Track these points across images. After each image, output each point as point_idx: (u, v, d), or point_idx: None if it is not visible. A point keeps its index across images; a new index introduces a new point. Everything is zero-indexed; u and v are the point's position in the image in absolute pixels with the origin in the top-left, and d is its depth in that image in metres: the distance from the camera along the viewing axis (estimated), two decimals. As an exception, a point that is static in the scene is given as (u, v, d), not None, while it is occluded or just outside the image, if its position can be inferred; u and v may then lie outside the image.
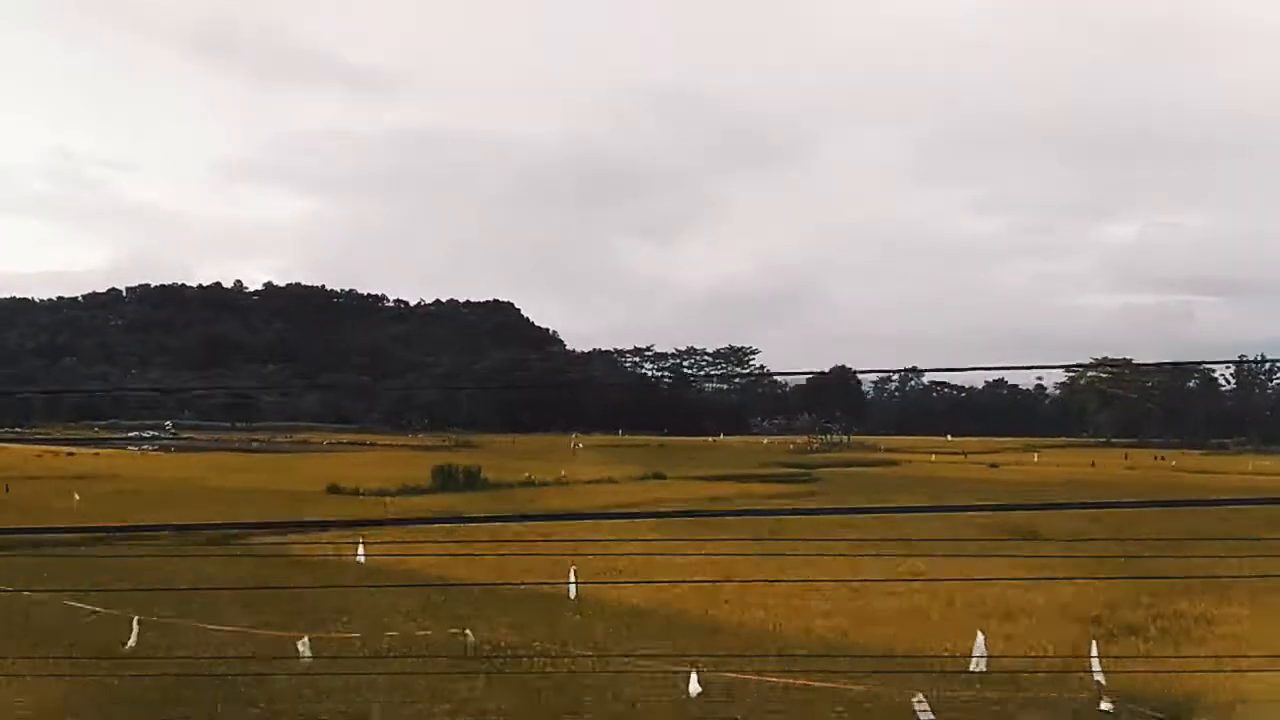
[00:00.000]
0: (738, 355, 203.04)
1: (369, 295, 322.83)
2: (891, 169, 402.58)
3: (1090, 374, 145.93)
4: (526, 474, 64.69)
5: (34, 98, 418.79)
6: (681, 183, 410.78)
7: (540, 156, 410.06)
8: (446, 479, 56.67)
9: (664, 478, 69.62)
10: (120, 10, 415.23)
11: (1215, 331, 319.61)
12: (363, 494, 53.30)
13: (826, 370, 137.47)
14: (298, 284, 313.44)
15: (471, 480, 57.98)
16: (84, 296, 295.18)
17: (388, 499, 50.48)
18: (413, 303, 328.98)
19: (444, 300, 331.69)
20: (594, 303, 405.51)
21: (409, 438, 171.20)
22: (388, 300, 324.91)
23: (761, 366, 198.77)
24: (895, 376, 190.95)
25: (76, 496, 48.62)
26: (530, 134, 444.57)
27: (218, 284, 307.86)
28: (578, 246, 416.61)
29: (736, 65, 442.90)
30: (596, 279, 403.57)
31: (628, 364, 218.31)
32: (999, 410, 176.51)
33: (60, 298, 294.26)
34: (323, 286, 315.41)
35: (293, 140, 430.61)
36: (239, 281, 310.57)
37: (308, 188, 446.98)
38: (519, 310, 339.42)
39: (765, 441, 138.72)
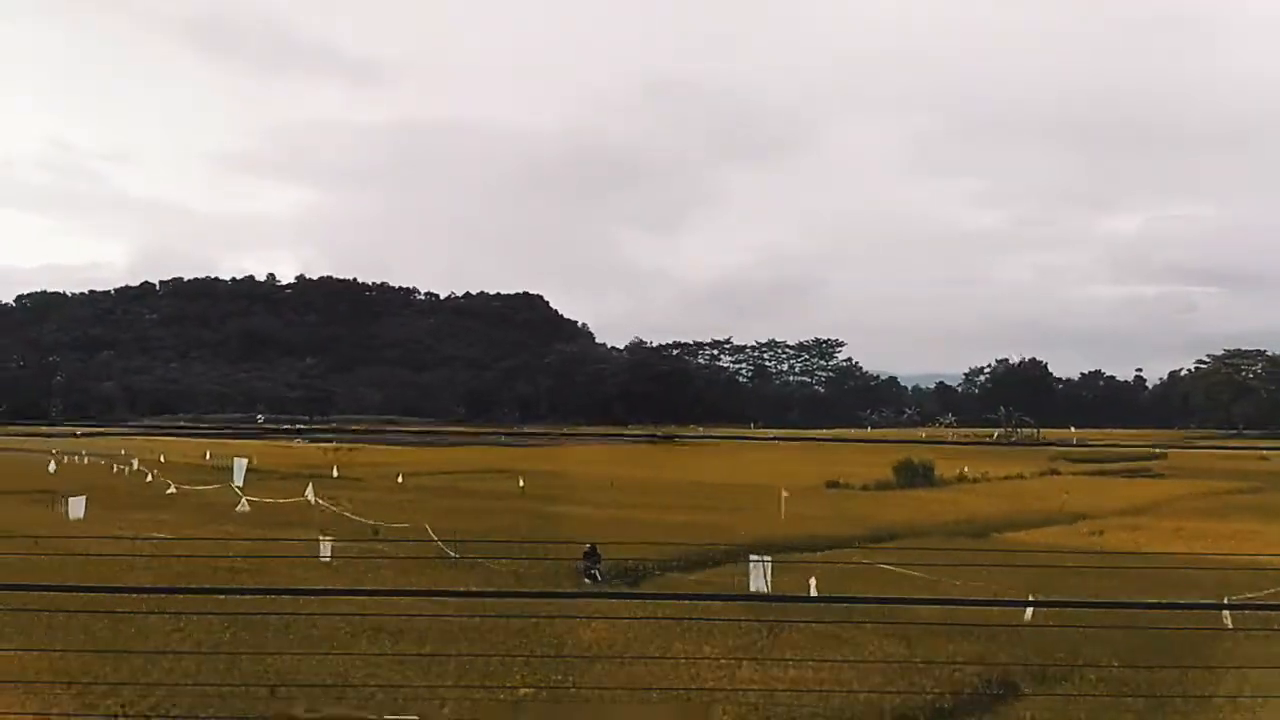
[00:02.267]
0: (822, 347, 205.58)
1: (400, 288, 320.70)
2: (893, 160, 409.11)
3: (1230, 363, 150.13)
4: (960, 470, 65.79)
5: (32, 89, 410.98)
6: (681, 173, 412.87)
7: (540, 147, 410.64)
8: (912, 475, 58.04)
9: (1059, 473, 71.37)
10: (119, 1, 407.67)
11: (1217, 322, 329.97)
12: (864, 488, 54.63)
13: (1016, 362, 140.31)
14: (329, 277, 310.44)
15: (928, 476, 59.47)
16: (116, 290, 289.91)
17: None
18: (443, 295, 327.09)
19: (474, 293, 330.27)
20: (593, 294, 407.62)
21: (520, 429, 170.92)
22: (419, 293, 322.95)
23: (849, 359, 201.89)
24: (986, 368, 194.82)
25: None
26: (530, 124, 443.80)
27: (250, 277, 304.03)
28: (578, 237, 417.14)
29: (737, 55, 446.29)
30: (597, 270, 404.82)
31: (704, 356, 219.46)
32: (1095, 401, 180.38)
33: (93, 291, 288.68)
34: (354, 280, 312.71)
35: (293, 132, 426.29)
36: (271, 275, 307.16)
37: (308, 179, 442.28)
38: (547, 302, 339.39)
39: (950, 434, 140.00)
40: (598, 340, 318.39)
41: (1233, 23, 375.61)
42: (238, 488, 45.02)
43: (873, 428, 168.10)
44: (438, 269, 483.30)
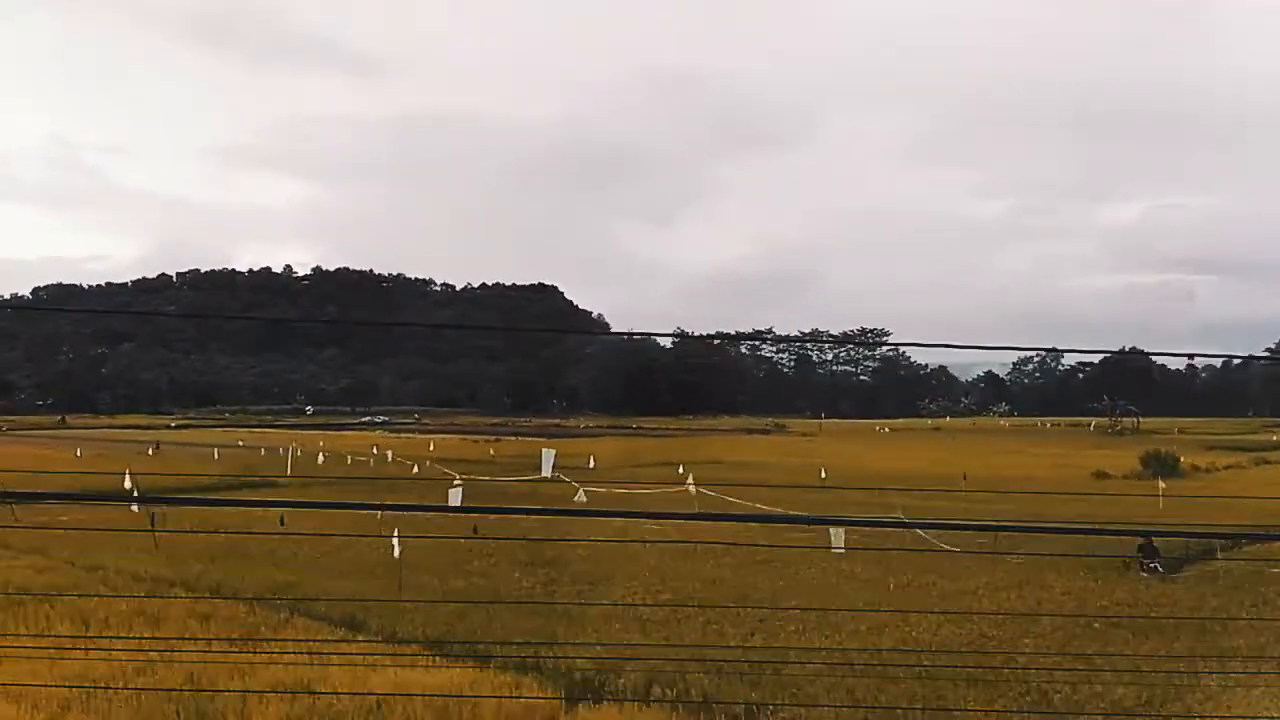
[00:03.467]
0: (867, 337, 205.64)
1: (416, 279, 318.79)
2: (893, 151, 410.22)
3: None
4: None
5: (31, 84, 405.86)
6: (680, 165, 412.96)
7: (539, 139, 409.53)
8: (1160, 465, 57.76)
9: (1269, 462, 71.42)
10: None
11: (1217, 310, 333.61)
12: (1125, 478, 54.37)
13: (1120, 351, 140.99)
14: (346, 269, 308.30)
15: (1175, 467, 59.30)
16: (133, 282, 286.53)
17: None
18: (459, 286, 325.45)
19: (490, 283, 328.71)
20: (593, 284, 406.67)
21: (582, 419, 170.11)
22: (435, 284, 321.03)
23: (898, 348, 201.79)
24: (1035, 359, 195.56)
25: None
26: (529, 116, 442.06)
27: (267, 269, 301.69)
28: (577, 228, 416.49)
29: (736, 47, 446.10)
30: (596, 261, 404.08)
31: (744, 346, 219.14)
32: (1154, 391, 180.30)
33: (109, 283, 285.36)
34: (371, 271, 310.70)
35: (294, 125, 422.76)
36: (288, 266, 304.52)
37: (309, 173, 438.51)
38: (562, 293, 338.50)
39: (1047, 425, 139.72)
40: (613, 331, 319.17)
41: (1232, 14, 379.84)
42: (560, 478, 44.19)
43: (932, 418, 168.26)
44: (440, 259, 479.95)
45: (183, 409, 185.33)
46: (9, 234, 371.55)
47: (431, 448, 79.41)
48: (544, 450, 45.82)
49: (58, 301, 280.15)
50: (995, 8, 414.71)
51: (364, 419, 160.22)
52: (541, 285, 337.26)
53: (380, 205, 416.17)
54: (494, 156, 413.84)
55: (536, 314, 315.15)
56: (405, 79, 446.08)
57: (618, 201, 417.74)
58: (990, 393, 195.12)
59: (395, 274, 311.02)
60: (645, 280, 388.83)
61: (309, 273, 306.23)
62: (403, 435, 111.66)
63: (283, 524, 27.57)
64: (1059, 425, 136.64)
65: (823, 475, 48.32)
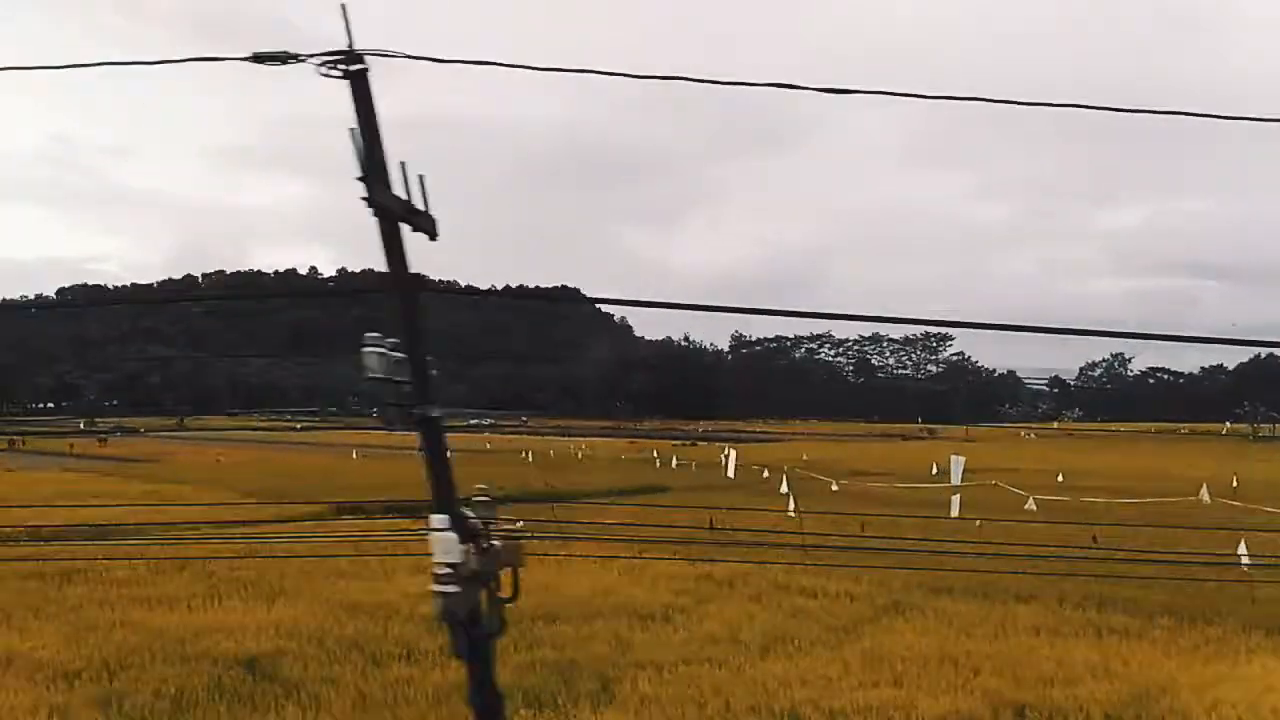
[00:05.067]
0: (928, 341, 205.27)
1: (440, 280, 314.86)
2: (893, 154, 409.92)
3: None
4: None
5: (34, 84, 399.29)
6: (681, 168, 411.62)
7: (539, 142, 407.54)
8: None
9: None
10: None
11: (1220, 316, 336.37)
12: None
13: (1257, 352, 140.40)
14: (371, 270, 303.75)
15: None
16: (159, 283, 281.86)
17: None
18: (483, 288, 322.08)
19: (513, 285, 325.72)
20: (596, 288, 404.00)
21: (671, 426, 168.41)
22: (458, 285, 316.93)
23: (962, 353, 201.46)
24: (1101, 362, 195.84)
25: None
26: (530, 119, 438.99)
27: (292, 270, 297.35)
28: (577, 231, 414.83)
29: (737, 49, 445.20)
30: (599, 264, 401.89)
31: (801, 351, 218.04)
32: (1213, 395, 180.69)
33: (134, 284, 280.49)
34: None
35: (297, 126, 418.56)
36: (313, 268, 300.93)
37: (311, 173, 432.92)
38: (586, 296, 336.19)
39: (1184, 430, 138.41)
40: (636, 334, 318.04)
41: (1234, 17, 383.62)
42: (996, 482, 42.58)
43: (1011, 423, 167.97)
44: (445, 261, 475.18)
45: (246, 411, 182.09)
46: (10, 234, 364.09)
47: (585, 448, 77.64)
48: (953, 457, 44.21)
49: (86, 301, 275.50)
50: (996, 11, 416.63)
51: (470, 421, 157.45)
52: (564, 287, 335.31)
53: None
54: (493, 160, 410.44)
55: (563, 317, 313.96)
56: (404, 82, 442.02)
57: (618, 204, 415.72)
58: (1061, 398, 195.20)
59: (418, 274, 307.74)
60: (647, 282, 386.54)
61: (334, 273, 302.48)
62: (547, 438, 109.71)
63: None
64: (1186, 431, 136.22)
65: (1205, 493, 45.77)
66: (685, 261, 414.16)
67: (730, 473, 54.31)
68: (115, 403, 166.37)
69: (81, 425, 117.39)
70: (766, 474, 52.09)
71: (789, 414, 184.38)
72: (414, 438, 4.70)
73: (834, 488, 45.23)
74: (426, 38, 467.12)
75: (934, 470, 52.30)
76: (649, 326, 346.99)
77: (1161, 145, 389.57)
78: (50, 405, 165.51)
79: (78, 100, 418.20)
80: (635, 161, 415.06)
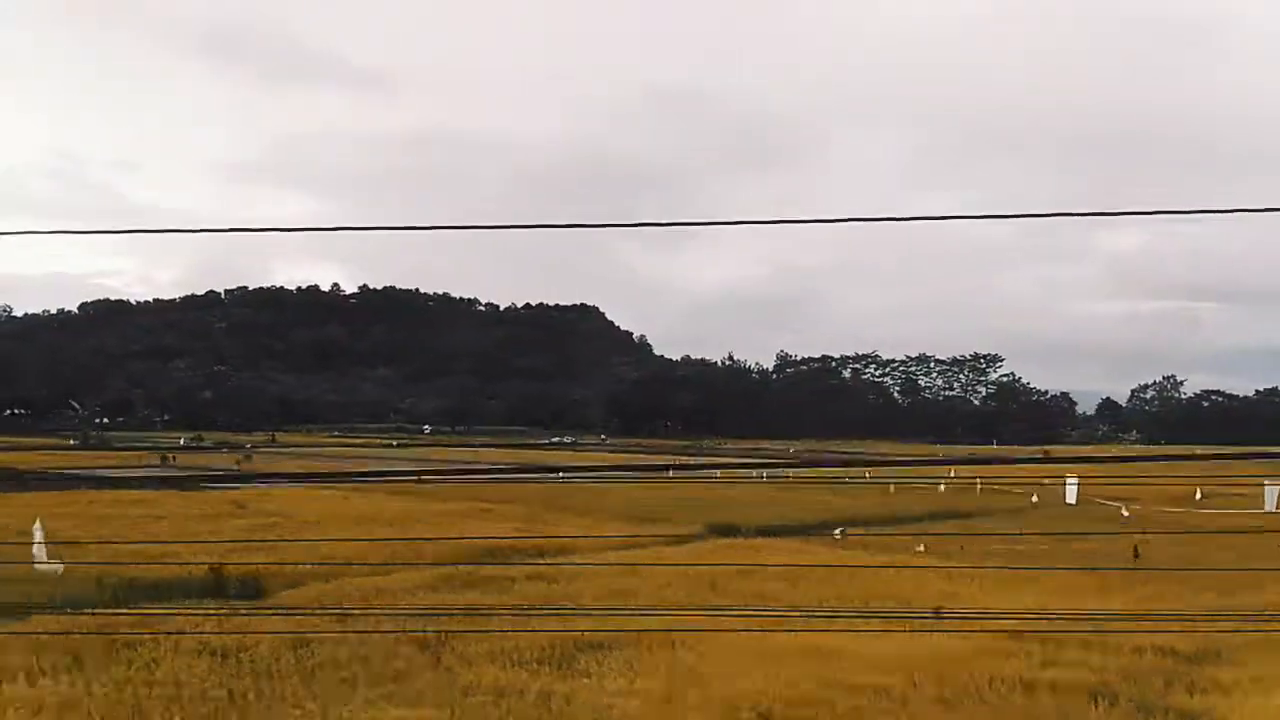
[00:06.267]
0: (976, 363, 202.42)
1: (461, 299, 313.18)
2: (896, 172, 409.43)
3: None
4: None
5: (40, 100, 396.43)
6: (686, 185, 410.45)
7: (543, 157, 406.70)
8: None
9: None
10: (123, 11, 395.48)
11: (1220, 338, 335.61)
12: None
13: None
14: (393, 287, 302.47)
15: None
16: (181, 299, 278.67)
17: None
18: (502, 306, 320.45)
19: (534, 304, 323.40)
20: (604, 306, 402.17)
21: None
22: (479, 303, 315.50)
23: (1012, 373, 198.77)
24: (1152, 385, 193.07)
25: None
26: (533, 135, 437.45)
27: (315, 287, 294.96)
28: (581, 248, 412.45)
29: (742, 66, 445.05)
30: (606, 282, 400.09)
31: (846, 371, 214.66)
32: (1272, 417, 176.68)
33: (156, 300, 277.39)
34: (417, 290, 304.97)
35: (301, 142, 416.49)
36: (336, 285, 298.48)
37: (316, 189, 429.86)
38: (604, 314, 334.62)
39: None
40: (656, 353, 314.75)
41: (1234, 38, 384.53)
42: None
43: (1071, 445, 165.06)
44: (450, 278, 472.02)
45: (290, 427, 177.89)
46: (15, 250, 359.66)
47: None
48: (1267, 486, 40.91)
49: (105, 317, 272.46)
50: (999, 31, 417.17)
51: (553, 439, 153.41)
52: (584, 306, 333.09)
53: (386, 222, 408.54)
54: (498, 175, 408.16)
55: (581, 334, 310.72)
56: (410, 98, 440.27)
57: (622, 220, 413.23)
58: (1115, 421, 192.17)
59: (440, 293, 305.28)
60: (653, 300, 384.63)
61: (356, 290, 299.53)
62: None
63: None
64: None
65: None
66: (689, 278, 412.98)
67: (1071, 498, 50.36)
68: (167, 417, 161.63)
69: (182, 441, 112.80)
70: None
71: (840, 434, 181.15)
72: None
73: (1125, 513, 41.69)
74: (428, 51, 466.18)
75: (1198, 496, 48.48)
76: (667, 346, 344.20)
77: (1163, 165, 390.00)
78: (106, 420, 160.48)
79: (84, 115, 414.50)
80: (637, 176, 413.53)
